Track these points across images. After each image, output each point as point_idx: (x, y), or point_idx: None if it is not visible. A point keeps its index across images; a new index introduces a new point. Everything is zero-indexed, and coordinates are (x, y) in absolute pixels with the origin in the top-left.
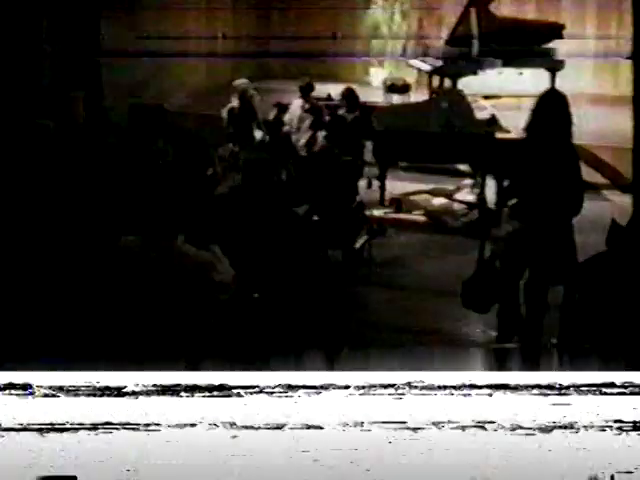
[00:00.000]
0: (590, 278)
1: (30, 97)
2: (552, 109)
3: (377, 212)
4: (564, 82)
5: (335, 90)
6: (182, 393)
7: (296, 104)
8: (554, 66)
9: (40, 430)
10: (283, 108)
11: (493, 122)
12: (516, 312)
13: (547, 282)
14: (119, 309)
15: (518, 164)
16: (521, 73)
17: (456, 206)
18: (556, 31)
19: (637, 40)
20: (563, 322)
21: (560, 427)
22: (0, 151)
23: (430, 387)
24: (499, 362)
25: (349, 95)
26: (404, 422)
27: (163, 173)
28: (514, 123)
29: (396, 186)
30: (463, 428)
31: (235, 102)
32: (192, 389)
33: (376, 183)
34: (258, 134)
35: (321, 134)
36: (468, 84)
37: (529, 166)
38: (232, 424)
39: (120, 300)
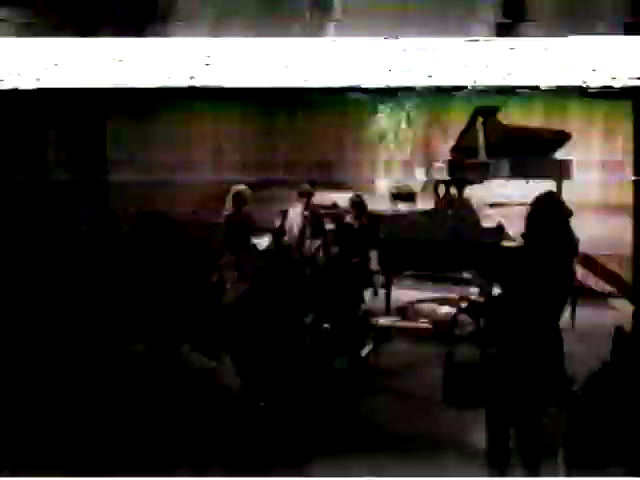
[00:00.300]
0: (594, 398)
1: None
2: (547, 213)
3: (383, 320)
4: (571, 191)
5: (341, 198)
6: None
7: (295, 211)
8: (561, 175)
9: None
10: (287, 215)
11: (500, 230)
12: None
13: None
14: (124, 415)
15: (513, 272)
16: (528, 182)
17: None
18: (563, 140)
19: (637, 157)
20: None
21: None
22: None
23: None
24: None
25: (357, 202)
26: None
27: (168, 282)
28: (521, 231)
29: (402, 294)
30: None
31: (231, 210)
32: None
33: (382, 291)
34: (262, 242)
35: (316, 242)
36: (474, 192)
37: (523, 273)
38: None
39: (126, 406)
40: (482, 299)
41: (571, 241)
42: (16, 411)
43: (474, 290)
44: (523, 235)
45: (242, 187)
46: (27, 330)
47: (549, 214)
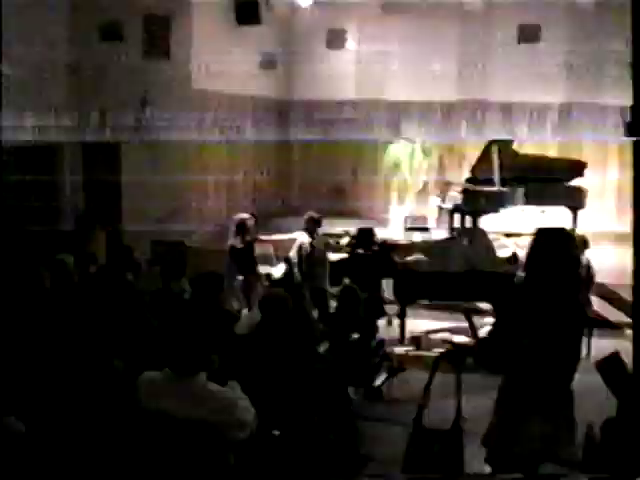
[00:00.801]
0: None
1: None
2: (548, 250)
3: (397, 350)
4: (586, 220)
5: (354, 227)
6: None
7: (303, 240)
8: (576, 204)
9: None
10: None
11: (514, 260)
12: None
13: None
14: (137, 444)
15: (516, 305)
16: (543, 211)
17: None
18: (578, 169)
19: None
20: None
21: None
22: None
23: None
24: None
25: (365, 233)
26: None
27: (183, 310)
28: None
29: (416, 324)
30: None
31: (233, 239)
32: None
33: (396, 321)
34: (276, 271)
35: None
36: (489, 222)
37: (529, 305)
38: None
39: (140, 437)
40: (469, 342)
41: (585, 274)
42: None
43: (489, 320)
44: (527, 268)
45: (245, 216)
46: None
47: (554, 251)
